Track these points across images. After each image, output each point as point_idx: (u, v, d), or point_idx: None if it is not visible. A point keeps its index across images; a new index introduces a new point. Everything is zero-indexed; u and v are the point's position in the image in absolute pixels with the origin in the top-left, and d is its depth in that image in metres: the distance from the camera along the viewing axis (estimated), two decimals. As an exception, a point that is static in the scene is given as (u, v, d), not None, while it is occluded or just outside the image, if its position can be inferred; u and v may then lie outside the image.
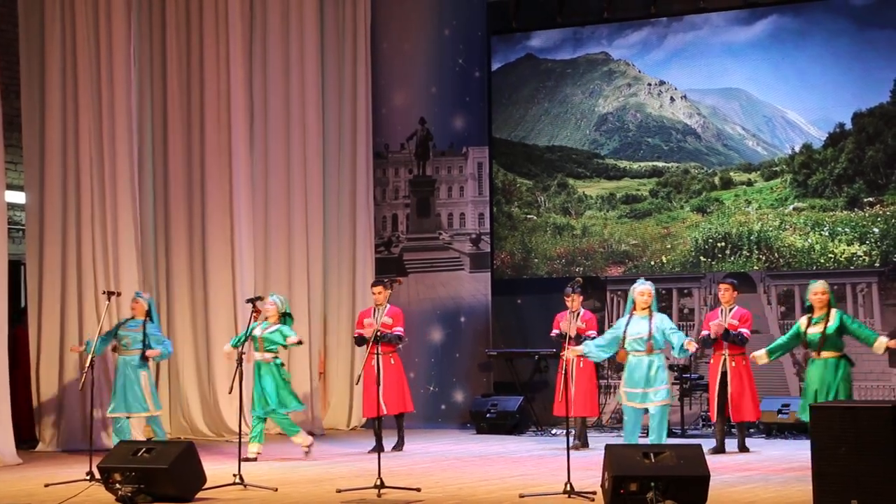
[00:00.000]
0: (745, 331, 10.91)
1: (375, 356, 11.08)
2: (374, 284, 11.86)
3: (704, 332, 11.09)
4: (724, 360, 10.90)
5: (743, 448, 11.00)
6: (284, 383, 11.12)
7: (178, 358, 13.52)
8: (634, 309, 10.46)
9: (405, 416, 11.88)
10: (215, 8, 13.52)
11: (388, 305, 11.60)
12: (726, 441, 11.04)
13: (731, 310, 11.02)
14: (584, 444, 11.55)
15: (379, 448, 10.18)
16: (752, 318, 11.19)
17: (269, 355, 11.05)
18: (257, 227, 13.99)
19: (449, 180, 15.16)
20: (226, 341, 13.23)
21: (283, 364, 11.26)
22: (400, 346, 11.60)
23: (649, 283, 10.67)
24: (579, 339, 11.23)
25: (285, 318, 11.21)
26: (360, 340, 11.53)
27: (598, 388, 11.94)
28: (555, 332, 11.75)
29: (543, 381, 13.91)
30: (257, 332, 10.96)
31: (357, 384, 11.39)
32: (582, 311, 11.56)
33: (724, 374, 10.90)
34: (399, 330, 11.46)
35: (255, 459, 10.76)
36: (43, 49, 12.50)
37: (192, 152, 13.59)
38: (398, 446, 11.62)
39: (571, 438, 11.23)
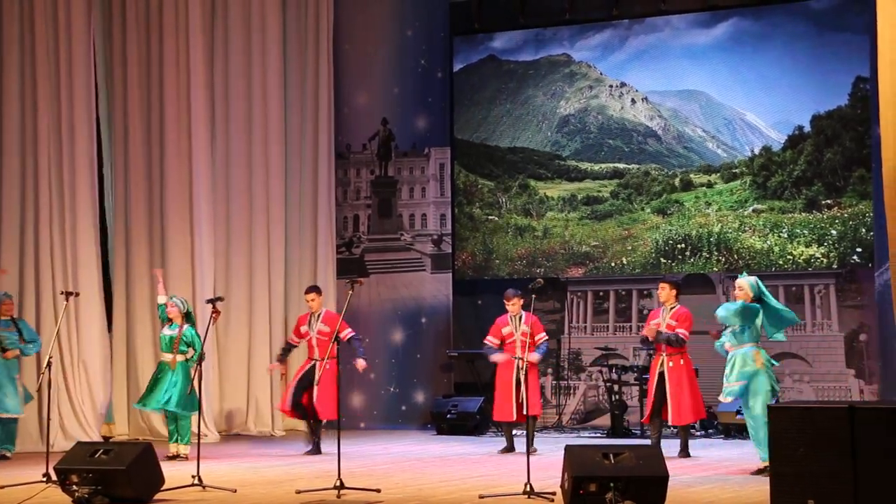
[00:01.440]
0: (681, 331, 10.50)
1: (312, 361, 11.26)
2: (307, 291, 11.77)
3: (647, 333, 10.92)
4: (662, 360, 10.56)
5: (684, 452, 10.63)
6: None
7: (137, 359, 13.42)
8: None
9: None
10: (175, 7, 13.43)
11: (324, 311, 11.53)
12: (664, 443, 10.86)
13: (671, 309, 10.70)
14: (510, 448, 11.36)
15: (315, 451, 10.81)
16: (693, 319, 10.76)
17: (181, 356, 11.06)
18: (218, 227, 13.93)
19: (411, 181, 15.14)
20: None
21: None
22: (361, 346, 11.55)
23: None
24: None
25: (188, 317, 11.22)
26: (285, 352, 11.63)
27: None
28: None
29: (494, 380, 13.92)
30: (168, 332, 10.99)
31: (317, 384, 11.34)
32: (524, 314, 11.18)
33: (661, 374, 10.54)
34: (349, 332, 11.35)
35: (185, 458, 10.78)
36: (0, 49, 12.37)
37: (153, 152, 13.52)
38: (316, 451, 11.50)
39: (505, 443, 11.25)
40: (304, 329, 11.43)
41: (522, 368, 10.19)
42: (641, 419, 11.05)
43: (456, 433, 13.51)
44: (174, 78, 13.42)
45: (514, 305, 11.21)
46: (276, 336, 14.26)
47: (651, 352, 11.24)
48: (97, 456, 8.29)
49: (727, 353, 9.62)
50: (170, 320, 11.20)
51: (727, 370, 9.56)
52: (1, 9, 12.38)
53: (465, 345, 14.60)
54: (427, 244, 15.03)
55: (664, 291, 10.73)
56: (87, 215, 12.70)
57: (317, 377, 11.22)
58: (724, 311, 9.58)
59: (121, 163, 13.57)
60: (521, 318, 11.15)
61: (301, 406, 11.33)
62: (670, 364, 10.51)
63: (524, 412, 10.71)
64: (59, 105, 12.55)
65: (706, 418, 12.60)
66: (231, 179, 14.16)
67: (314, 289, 11.75)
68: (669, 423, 10.66)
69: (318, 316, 11.46)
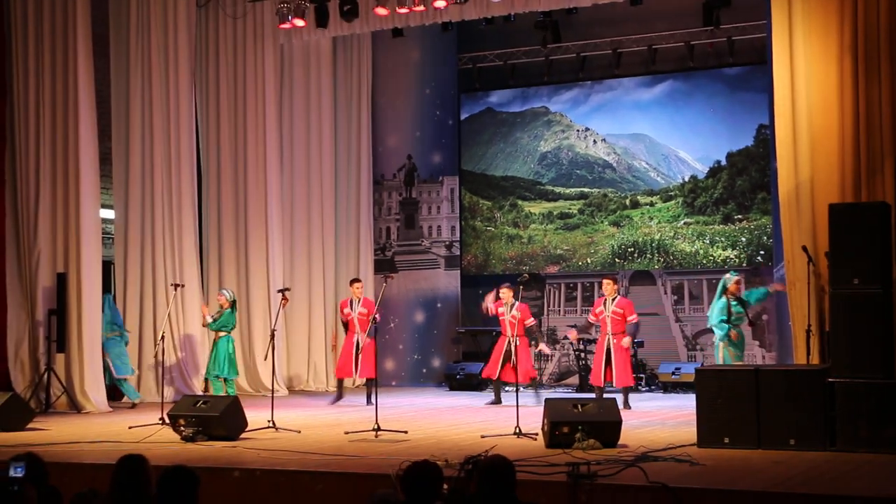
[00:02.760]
0: (632, 318, 10.42)
1: (356, 335, 11.20)
2: (353, 281, 11.76)
3: (591, 319, 10.70)
4: (609, 339, 10.45)
5: (627, 406, 10.43)
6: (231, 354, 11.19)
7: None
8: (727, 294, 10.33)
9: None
10: (255, 67, 13.47)
11: (363, 297, 11.53)
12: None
13: (613, 300, 10.41)
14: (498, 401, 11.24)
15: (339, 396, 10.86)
16: (634, 304, 10.69)
17: (223, 332, 11.13)
18: (285, 235, 13.94)
19: (429, 201, 15.14)
20: (263, 322, 13.21)
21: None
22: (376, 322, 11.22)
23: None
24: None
25: (233, 304, 11.24)
26: (345, 326, 11.53)
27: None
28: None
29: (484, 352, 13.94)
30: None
31: (358, 354, 11.35)
32: (516, 303, 10.98)
33: (608, 350, 10.42)
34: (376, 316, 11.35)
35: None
36: (128, 103, 12.43)
37: (238, 180, 13.47)
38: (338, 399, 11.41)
39: (493, 397, 11.16)
40: (346, 311, 11.43)
41: (514, 342, 10.23)
42: (589, 381, 10.95)
43: (463, 389, 13.54)
44: (254, 125, 13.40)
45: (506, 295, 11.18)
46: (329, 316, 14.30)
47: (586, 336, 11.22)
48: (198, 405, 8.37)
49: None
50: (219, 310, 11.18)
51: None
52: (128, 73, 12.40)
53: (469, 323, 14.66)
54: (441, 248, 15.02)
55: (609, 286, 10.54)
56: (189, 225, 12.72)
57: (360, 347, 11.23)
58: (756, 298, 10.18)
59: (214, 190, 13.54)
60: (512, 305, 11.14)
61: (350, 369, 11.33)
62: (615, 341, 10.45)
63: (516, 376, 10.70)
64: (169, 144, 12.58)
65: (648, 378, 12.65)
66: (295, 201, 14.15)
67: (358, 280, 11.78)
68: (613, 385, 10.59)
69: (359, 300, 11.47)
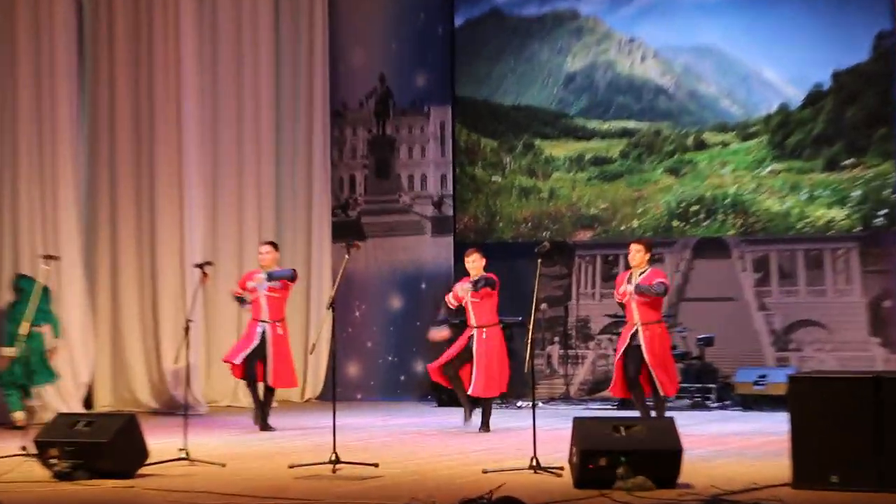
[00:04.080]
0: (659, 280, 10.00)
1: (261, 324, 11.09)
2: (263, 243, 11.58)
3: (617, 298, 10.40)
4: (637, 331, 10.15)
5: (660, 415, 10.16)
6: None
7: (123, 327, 13.35)
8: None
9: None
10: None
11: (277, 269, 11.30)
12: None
13: (641, 273, 10.17)
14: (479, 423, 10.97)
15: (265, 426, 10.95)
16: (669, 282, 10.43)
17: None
18: (207, 188, 13.86)
19: (410, 140, 15.08)
20: (174, 310, 13.13)
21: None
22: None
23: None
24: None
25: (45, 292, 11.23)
26: (240, 301, 11.28)
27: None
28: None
29: (509, 350, 13.83)
30: None
31: (311, 353, 11.28)
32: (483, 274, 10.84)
33: (637, 347, 10.09)
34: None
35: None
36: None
37: (140, 109, 13.41)
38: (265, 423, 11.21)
39: (468, 416, 11.02)
40: (250, 285, 11.19)
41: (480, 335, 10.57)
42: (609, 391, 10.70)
43: (458, 405, 13.37)
44: (162, 30, 13.32)
45: (475, 264, 10.85)
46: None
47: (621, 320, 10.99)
48: (78, 428, 8.20)
49: None
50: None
51: None
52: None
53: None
54: (427, 206, 14.97)
55: (638, 254, 10.14)
56: (67, 172, 12.66)
57: (269, 342, 11.03)
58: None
59: (105, 134, 13.46)
60: (479, 282, 10.82)
61: (252, 370, 11.09)
62: (647, 333, 10.12)
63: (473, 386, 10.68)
64: (40, 54, 12.45)
65: (720, 390, 12.60)
66: (220, 138, 14.09)
67: (270, 244, 11.47)
68: (662, 396, 10.18)
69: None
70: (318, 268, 14.69)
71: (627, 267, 10.66)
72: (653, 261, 10.50)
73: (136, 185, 13.45)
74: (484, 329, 10.86)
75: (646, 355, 10.08)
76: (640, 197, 14.09)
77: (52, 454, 8.06)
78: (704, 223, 13.74)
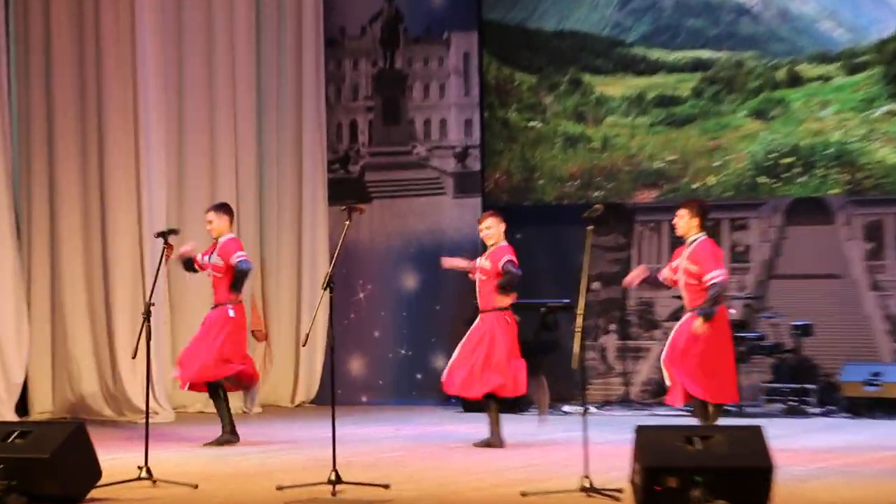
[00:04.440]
0: (712, 275, 9.84)
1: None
2: (208, 209, 11.43)
3: (665, 277, 10.33)
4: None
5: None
6: None
7: (67, 313, 13.44)
8: None
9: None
10: None
11: (227, 238, 11.09)
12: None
13: (692, 243, 10.12)
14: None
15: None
16: (721, 256, 10.33)
17: None
18: (170, 136, 13.90)
19: (425, 76, 15.12)
20: (131, 289, 13.20)
21: None
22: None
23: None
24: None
25: None
26: (186, 265, 11.25)
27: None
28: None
29: (553, 340, 13.85)
30: None
31: (304, 345, 11.31)
32: (501, 244, 10.86)
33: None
34: (238, 256, 10.99)
35: None
36: None
37: (84, 33, 13.46)
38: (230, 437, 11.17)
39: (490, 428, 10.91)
40: (203, 261, 11.21)
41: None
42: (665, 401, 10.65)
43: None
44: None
45: (491, 230, 10.84)
46: (247, 283, 14.18)
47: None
48: (12, 440, 8.22)
49: None
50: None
51: None
52: None
53: (499, 292, 14.57)
54: (448, 159, 15.02)
55: (681, 220, 10.10)
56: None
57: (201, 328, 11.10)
58: None
59: (38, 71, 13.51)
60: (489, 250, 10.85)
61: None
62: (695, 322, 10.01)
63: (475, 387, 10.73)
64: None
65: (822, 392, 12.72)
66: (186, 74, 14.14)
67: (218, 209, 11.36)
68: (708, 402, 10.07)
69: (219, 244, 11.22)
70: (310, 238, 14.76)
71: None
72: (706, 229, 10.25)
73: (79, 134, 13.52)
74: (487, 314, 10.80)
75: (681, 343, 9.95)
76: (717, 147, 14.12)
77: (-21, 473, 8.12)
78: (800, 180, 13.78)
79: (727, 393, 10.14)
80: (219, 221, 11.18)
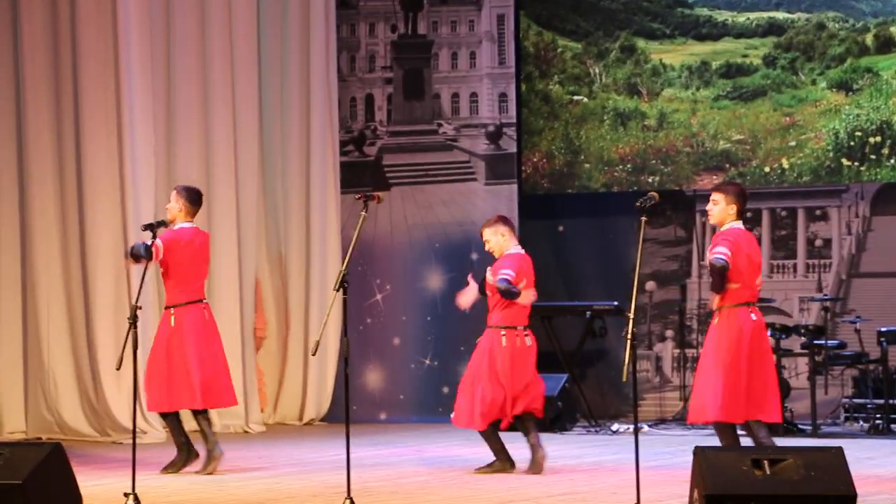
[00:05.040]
0: (715, 252, 9.70)
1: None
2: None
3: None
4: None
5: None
6: None
7: (40, 319, 13.53)
8: None
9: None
10: None
11: (176, 230, 11.17)
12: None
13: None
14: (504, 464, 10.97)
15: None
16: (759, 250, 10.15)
17: None
18: (157, 113, 13.92)
19: (453, 43, 15.18)
20: (114, 289, 13.26)
21: None
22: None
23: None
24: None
25: None
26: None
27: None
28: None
29: (600, 350, 13.94)
30: None
31: (313, 355, 11.37)
32: (512, 252, 10.97)
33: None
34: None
35: None
36: None
37: (57, 17, 13.57)
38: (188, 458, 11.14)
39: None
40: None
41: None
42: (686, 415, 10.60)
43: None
44: None
45: (496, 241, 10.96)
46: (246, 280, 14.37)
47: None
48: (-20, 464, 8.34)
49: None
50: None
51: None
52: None
53: (539, 294, 14.56)
54: (479, 140, 15.08)
55: (715, 206, 9.98)
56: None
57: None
58: None
59: (6, 37, 13.64)
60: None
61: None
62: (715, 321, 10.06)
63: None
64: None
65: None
66: (175, 48, 14.16)
67: (181, 189, 11.25)
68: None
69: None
70: (320, 230, 14.83)
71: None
72: (745, 219, 10.18)
73: (52, 108, 13.61)
74: (496, 331, 10.92)
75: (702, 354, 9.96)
76: (792, 124, 14.14)
77: (-57, 502, 8.24)
78: (889, 162, 13.80)
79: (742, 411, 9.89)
80: (178, 204, 11.05)
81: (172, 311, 10.93)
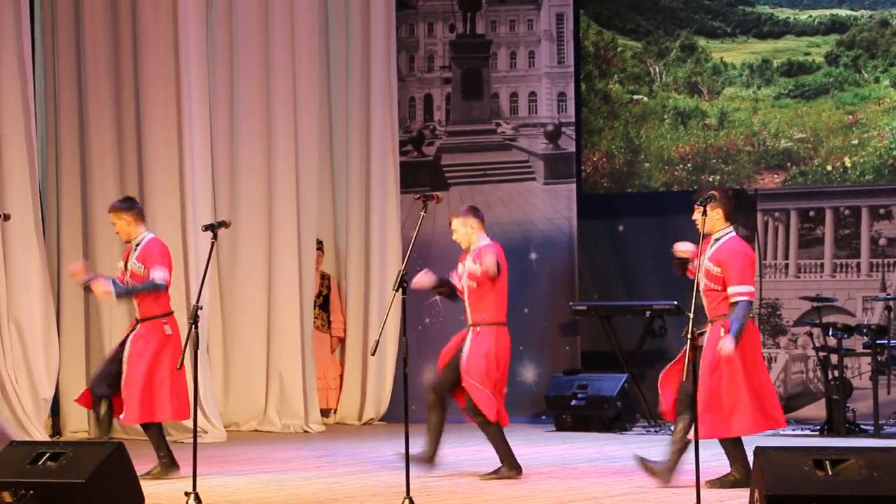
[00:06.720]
0: (738, 291, 9.73)
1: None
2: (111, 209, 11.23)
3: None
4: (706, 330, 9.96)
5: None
6: None
7: (102, 320, 13.63)
8: None
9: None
10: None
11: (146, 238, 10.98)
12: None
13: (717, 240, 9.94)
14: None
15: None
16: (753, 259, 10.17)
17: None
18: (220, 115, 14.08)
19: (512, 42, 15.20)
20: (176, 289, 13.23)
21: None
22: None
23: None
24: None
25: None
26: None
27: None
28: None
29: (659, 350, 13.90)
30: None
31: (373, 354, 11.38)
32: (480, 245, 10.83)
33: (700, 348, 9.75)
34: (158, 276, 10.85)
35: None
36: None
37: (118, 20, 13.66)
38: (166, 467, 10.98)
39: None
40: (121, 265, 11.22)
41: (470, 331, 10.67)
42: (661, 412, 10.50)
43: (585, 429, 13.58)
44: None
45: (463, 232, 10.86)
46: (307, 279, 14.41)
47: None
48: (43, 463, 8.37)
49: None
50: None
51: None
52: None
53: (598, 294, 14.64)
54: (538, 139, 15.09)
55: (713, 211, 9.80)
56: (15, 112, 12.87)
57: (126, 350, 11.02)
58: None
59: (68, 41, 13.72)
60: (471, 251, 10.86)
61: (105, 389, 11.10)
62: (711, 334, 9.83)
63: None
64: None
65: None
66: (239, 50, 14.27)
67: (124, 204, 11.10)
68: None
69: (137, 247, 11.18)
70: (379, 231, 14.87)
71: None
72: (733, 220, 10.06)
73: (113, 110, 13.69)
74: (478, 328, 10.89)
75: (700, 365, 9.68)
76: (854, 122, 14.09)
77: (5, 500, 8.27)
78: (955, 161, 13.77)
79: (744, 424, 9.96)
80: (125, 220, 10.96)
81: (143, 324, 10.91)
